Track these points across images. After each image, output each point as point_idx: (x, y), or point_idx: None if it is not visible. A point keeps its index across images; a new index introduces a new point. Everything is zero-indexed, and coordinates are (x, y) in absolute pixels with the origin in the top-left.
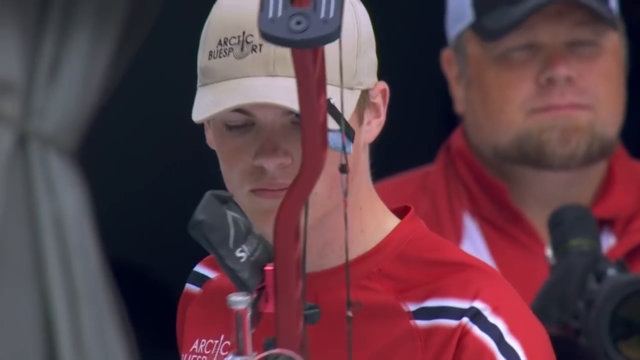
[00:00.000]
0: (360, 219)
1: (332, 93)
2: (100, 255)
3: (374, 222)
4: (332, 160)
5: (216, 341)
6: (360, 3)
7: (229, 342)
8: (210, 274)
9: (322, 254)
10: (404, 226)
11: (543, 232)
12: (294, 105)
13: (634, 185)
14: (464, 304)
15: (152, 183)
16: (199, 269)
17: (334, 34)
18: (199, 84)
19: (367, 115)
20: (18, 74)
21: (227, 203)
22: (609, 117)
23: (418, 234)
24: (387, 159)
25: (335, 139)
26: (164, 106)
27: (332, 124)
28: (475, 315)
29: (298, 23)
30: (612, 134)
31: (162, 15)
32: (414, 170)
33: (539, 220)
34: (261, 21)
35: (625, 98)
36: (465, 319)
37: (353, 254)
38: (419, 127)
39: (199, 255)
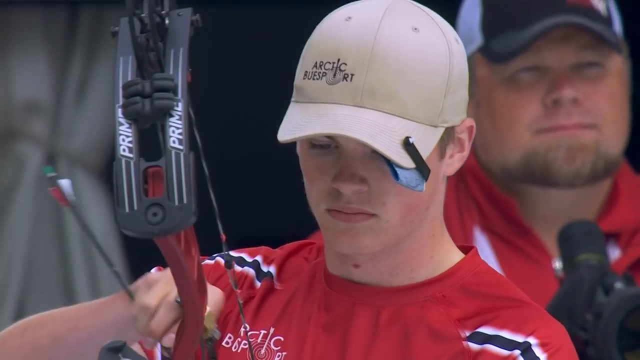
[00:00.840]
0: (432, 245)
1: (415, 131)
2: (126, 269)
3: (442, 250)
4: (407, 192)
5: (263, 331)
6: (459, 41)
7: (281, 337)
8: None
9: (393, 273)
10: (469, 260)
11: (551, 245)
12: (372, 141)
13: (638, 201)
14: (518, 337)
15: None
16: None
17: (190, 219)
18: (292, 98)
19: (450, 150)
20: (47, 96)
21: (120, 351)
22: (613, 136)
23: (482, 268)
24: None
25: (408, 177)
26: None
27: (407, 162)
28: (526, 350)
29: (154, 214)
30: (617, 152)
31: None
32: None
33: (546, 234)
34: (118, 217)
35: (630, 117)
36: (516, 352)
37: (421, 277)
38: None
39: None
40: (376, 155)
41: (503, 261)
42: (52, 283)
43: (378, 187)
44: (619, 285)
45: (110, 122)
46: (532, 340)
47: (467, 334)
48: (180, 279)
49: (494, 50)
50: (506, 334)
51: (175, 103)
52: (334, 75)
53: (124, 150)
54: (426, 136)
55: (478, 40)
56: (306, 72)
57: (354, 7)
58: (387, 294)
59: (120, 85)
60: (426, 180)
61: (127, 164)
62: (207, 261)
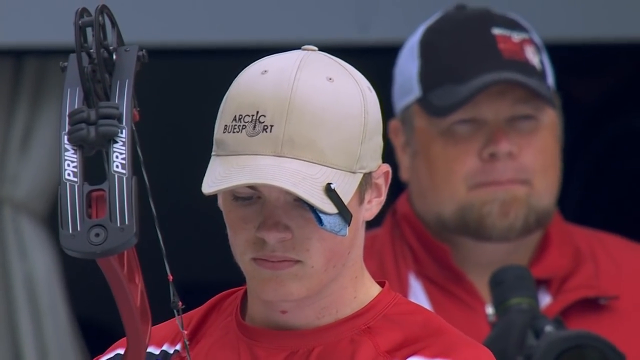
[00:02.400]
0: (355, 287)
1: (335, 178)
2: (70, 314)
3: (364, 288)
4: (330, 237)
5: None
6: (372, 90)
7: None
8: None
9: (320, 316)
10: (387, 292)
11: (483, 291)
12: (294, 188)
13: (569, 248)
14: None
15: None
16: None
17: (131, 240)
18: (213, 152)
19: (368, 195)
20: None
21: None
22: (544, 189)
23: (400, 299)
24: None
25: (332, 222)
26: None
27: (330, 208)
28: None
29: (97, 235)
30: (548, 204)
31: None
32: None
33: (479, 281)
34: (62, 238)
35: (562, 169)
36: None
37: (346, 314)
38: None
39: (162, 317)
40: (298, 203)
41: (437, 306)
42: None
43: (301, 234)
44: (549, 328)
45: (55, 169)
46: None
47: None
48: (122, 303)
49: (433, 104)
50: None
51: (119, 130)
52: (254, 127)
53: (68, 174)
54: (346, 182)
55: (416, 91)
56: (226, 126)
57: (269, 61)
58: (315, 334)
59: (67, 113)
60: (349, 224)
61: (72, 187)
62: None
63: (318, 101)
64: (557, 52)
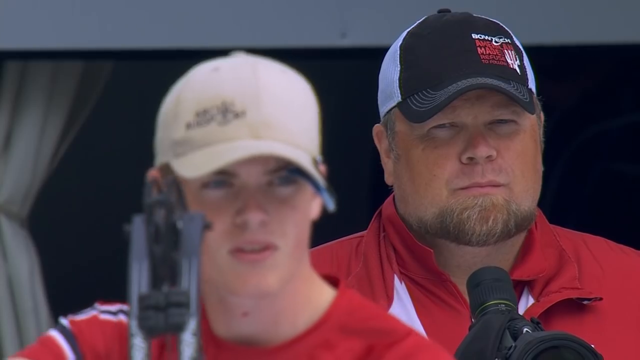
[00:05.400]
0: (307, 289)
1: (305, 158)
2: (51, 315)
3: (315, 291)
4: (300, 224)
5: None
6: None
7: None
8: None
9: (277, 321)
10: (342, 297)
11: (467, 293)
12: (298, 159)
13: (552, 249)
14: None
15: (104, 250)
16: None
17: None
18: (172, 155)
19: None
20: None
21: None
22: (524, 192)
23: (355, 304)
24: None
25: (324, 194)
26: (113, 177)
27: (322, 181)
28: None
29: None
30: (528, 208)
31: (111, 88)
32: (349, 235)
33: (462, 283)
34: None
35: (541, 171)
36: None
37: (303, 325)
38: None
39: None
40: (273, 186)
41: (421, 309)
42: None
43: (278, 217)
44: (526, 329)
45: (35, 172)
46: None
47: None
48: None
49: (411, 109)
50: None
51: (188, 319)
52: (224, 116)
53: None
54: (319, 166)
55: (397, 97)
56: (188, 123)
57: (217, 62)
58: (274, 353)
59: (136, 297)
60: (334, 199)
61: None
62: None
63: (283, 87)
64: (532, 54)
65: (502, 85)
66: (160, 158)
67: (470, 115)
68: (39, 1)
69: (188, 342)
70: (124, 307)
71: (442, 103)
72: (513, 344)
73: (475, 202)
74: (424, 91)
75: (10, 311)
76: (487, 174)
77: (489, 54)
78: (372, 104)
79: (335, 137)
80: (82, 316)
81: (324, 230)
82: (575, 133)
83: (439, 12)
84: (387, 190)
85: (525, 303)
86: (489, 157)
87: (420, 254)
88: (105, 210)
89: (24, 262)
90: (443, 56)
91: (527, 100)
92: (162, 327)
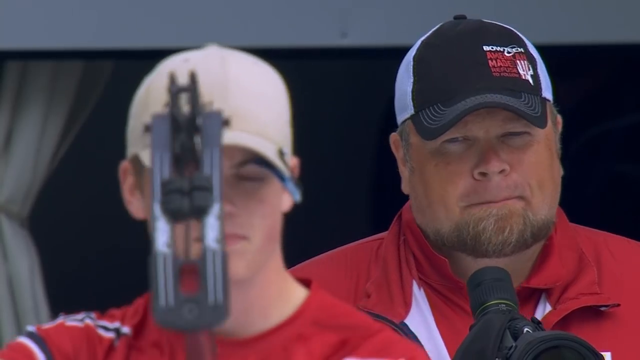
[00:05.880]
0: (279, 283)
1: (270, 148)
2: (51, 315)
3: (288, 287)
4: (269, 215)
5: None
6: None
7: None
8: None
9: (248, 313)
10: (315, 295)
11: None
12: (261, 148)
13: (572, 253)
14: None
15: (104, 249)
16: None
17: (222, 320)
18: (141, 146)
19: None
20: None
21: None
22: (541, 203)
23: (328, 302)
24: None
25: (289, 185)
26: (113, 177)
27: (286, 171)
28: None
29: (190, 311)
30: (545, 217)
31: (111, 88)
32: (348, 235)
33: None
34: (155, 312)
35: (560, 177)
36: None
37: (276, 319)
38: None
39: None
40: (240, 179)
41: (439, 314)
42: None
43: (246, 210)
44: (527, 329)
45: (35, 171)
46: None
47: None
48: None
49: (422, 125)
50: None
51: (212, 203)
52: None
53: (162, 245)
54: (285, 159)
55: (410, 109)
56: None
57: (188, 54)
58: (248, 344)
59: (159, 182)
60: (300, 190)
61: (165, 259)
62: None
63: (253, 79)
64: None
65: (511, 102)
66: (130, 149)
67: (482, 129)
68: (39, 1)
69: (212, 226)
70: (90, 313)
71: (452, 121)
72: (514, 344)
73: (490, 211)
74: (434, 106)
75: (10, 311)
76: (502, 191)
77: (500, 66)
78: (372, 103)
79: (335, 136)
80: (49, 324)
81: (324, 230)
82: (577, 134)
83: (455, 18)
84: (387, 191)
85: (543, 310)
86: (502, 171)
87: (436, 262)
88: (105, 210)
89: (24, 262)
90: (454, 69)
91: (537, 114)
92: (186, 209)
